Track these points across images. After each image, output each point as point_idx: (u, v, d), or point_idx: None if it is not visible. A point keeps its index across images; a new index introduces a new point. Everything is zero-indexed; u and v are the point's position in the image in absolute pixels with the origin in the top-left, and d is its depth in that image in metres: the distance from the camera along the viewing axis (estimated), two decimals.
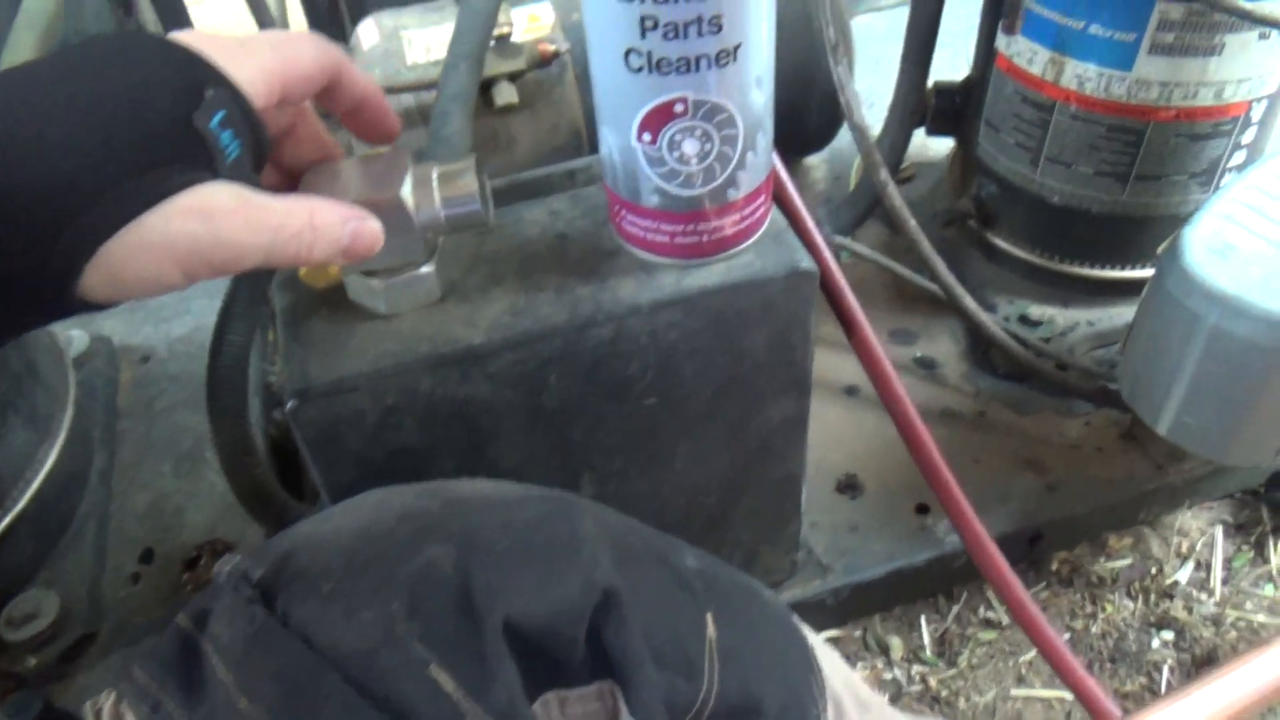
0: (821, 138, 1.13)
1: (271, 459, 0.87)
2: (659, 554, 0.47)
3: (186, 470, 0.91)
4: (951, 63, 1.31)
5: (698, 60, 0.46)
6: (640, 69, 0.46)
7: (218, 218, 0.38)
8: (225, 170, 0.39)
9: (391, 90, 0.90)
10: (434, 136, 0.70)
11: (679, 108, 0.48)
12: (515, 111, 0.94)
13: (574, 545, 0.43)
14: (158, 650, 0.40)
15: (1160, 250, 0.71)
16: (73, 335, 0.98)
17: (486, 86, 0.91)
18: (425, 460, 0.55)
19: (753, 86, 0.49)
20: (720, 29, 0.45)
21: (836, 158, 1.21)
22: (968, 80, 0.96)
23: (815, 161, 1.21)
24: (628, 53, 0.46)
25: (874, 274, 1.02)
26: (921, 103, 0.95)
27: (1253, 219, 0.69)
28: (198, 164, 0.38)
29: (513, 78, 0.91)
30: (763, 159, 0.52)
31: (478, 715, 0.37)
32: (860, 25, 1.45)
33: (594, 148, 1.01)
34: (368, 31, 0.96)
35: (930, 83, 0.97)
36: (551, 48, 0.91)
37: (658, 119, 0.48)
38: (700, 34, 0.45)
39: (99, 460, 0.90)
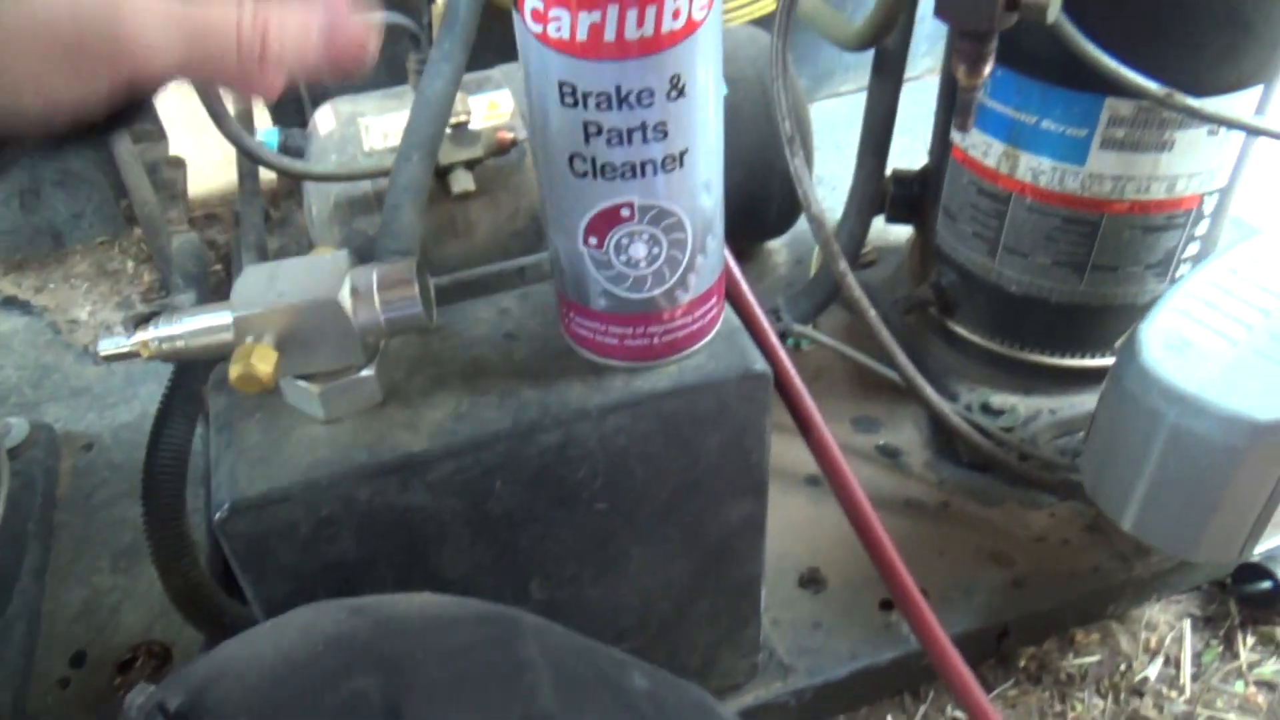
0: (783, 223, 1.13)
1: (216, 556, 0.84)
2: (605, 677, 0.45)
3: (125, 566, 0.87)
4: (912, 147, 1.33)
5: (643, 166, 0.45)
6: (585, 174, 0.46)
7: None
8: None
9: (349, 178, 0.89)
10: (384, 229, 0.69)
11: (625, 212, 0.47)
12: (473, 198, 0.93)
13: (513, 673, 0.40)
14: None
15: (1118, 345, 0.71)
16: (11, 423, 0.95)
17: (444, 173, 0.91)
18: (363, 572, 0.52)
19: (701, 191, 0.48)
20: (666, 135, 0.44)
21: (798, 241, 1.21)
22: (925, 169, 0.97)
23: (777, 245, 1.21)
24: (572, 158, 0.45)
25: (836, 360, 1.02)
26: (879, 191, 0.95)
27: (1208, 314, 0.69)
28: None
29: (470, 165, 0.90)
30: (713, 261, 0.51)
31: None
32: (821, 110, 1.47)
33: None
34: (324, 117, 0.95)
35: (889, 171, 0.98)
36: (510, 135, 0.91)
37: (604, 223, 0.47)
38: (645, 140, 0.44)
39: (32, 556, 0.86)
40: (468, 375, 0.54)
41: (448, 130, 0.90)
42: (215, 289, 1.26)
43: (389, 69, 1.23)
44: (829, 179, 1.33)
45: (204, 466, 0.94)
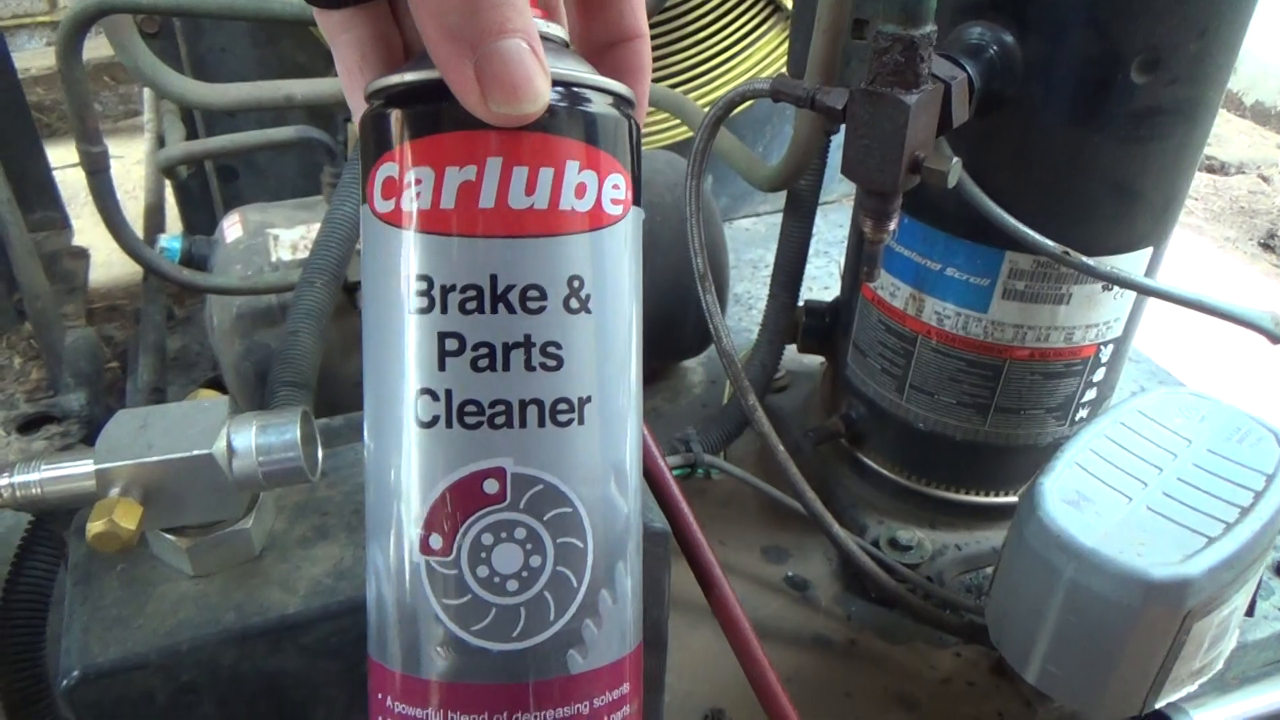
0: (699, 344, 1.14)
1: None
2: None
3: None
4: (828, 269, 1.36)
5: (522, 409, 0.29)
6: (435, 421, 0.29)
7: None
8: None
9: (253, 291, 0.87)
10: (280, 357, 0.67)
11: (491, 486, 0.30)
12: None
13: None
14: None
15: (1019, 496, 0.71)
16: None
17: (355, 289, 0.89)
18: None
19: (610, 476, 0.31)
20: (560, 364, 0.30)
21: (715, 361, 1.21)
22: (836, 302, 0.99)
23: (693, 365, 1.21)
24: (419, 396, 0.30)
25: (745, 486, 1.01)
26: (792, 322, 0.97)
27: (1104, 468, 0.70)
28: None
29: None
30: (624, 610, 0.32)
31: None
32: (740, 229, 1.50)
33: None
34: (232, 225, 0.93)
35: (801, 301, 0.99)
36: None
37: (458, 505, 0.30)
38: (529, 366, 0.29)
39: None
40: (353, 526, 0.51)
41: (359, 248, 0.89)
42: (109, 388, 1.21)
43: (300, 174, 1.22)
44: (746, 298, 1.34)
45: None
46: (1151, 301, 0.86)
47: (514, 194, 0.29)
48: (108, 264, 1.54)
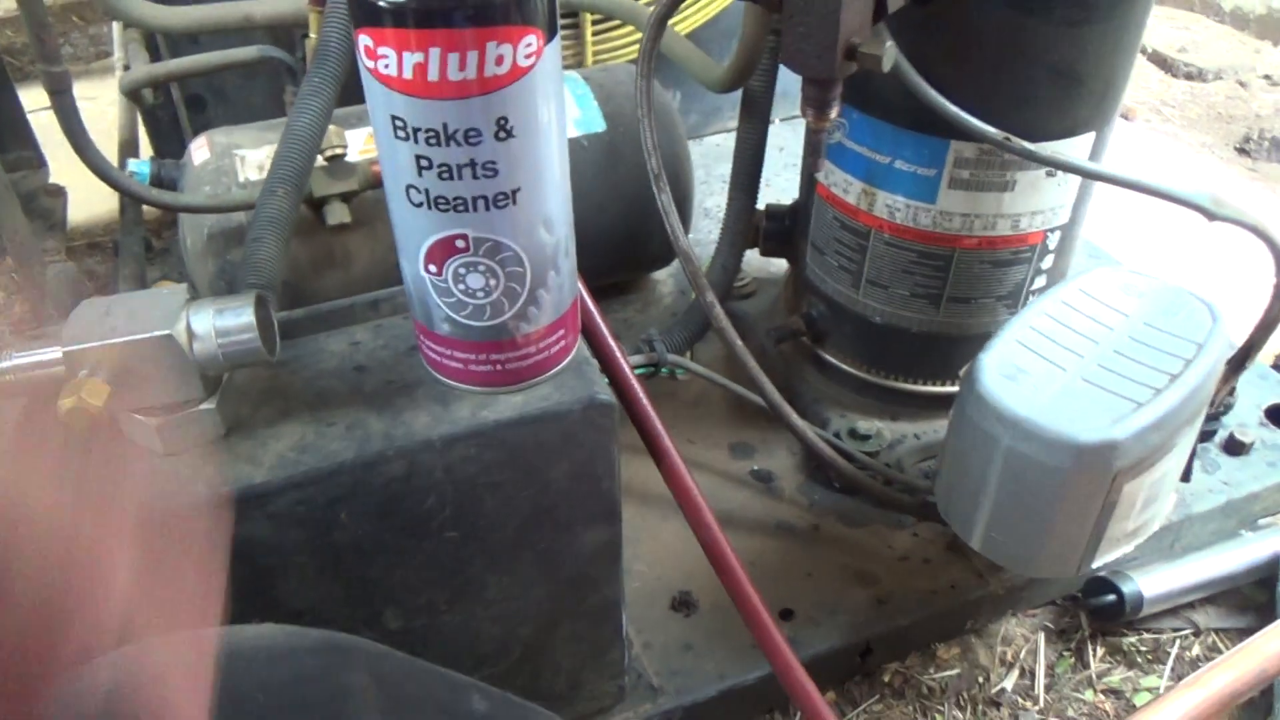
0: (666, 255, 1.16)
1: None
2: (440, 702, 0.46)
3: None
4: (794, 183, 1.37)
5: (474, 200, 0.47)
6: (420, 204, 0.47)
7: None
8: None
9: (217, 209, 0.89)
10: (244, 262, 0.69)
11: (460, 243, 0.48)
12: (351, 230, 0.94)
13: (338, 702, 0.41)
14: None
15: (960, 374, 0.74)
16: None
17: (319, 205, 0.91)
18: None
19: (538, 227, 0.50)
20: (496, 173, 0.46)
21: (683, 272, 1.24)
22: (794, 205, 1.01)
23: (662, 276, 1.24)
24: (408, 188, 0.47)
25: (714, 388, 1.04)
26: (751, 226, 0.99)
27: (1043, 344, 0.73)
28: None
29: (346, 198, 0.91)
30: (556, 295, 0.53)
31: None
32: (709, 145, 1.51)
33: None
34: (200, 148, 0.95)
35: (762, 205, 1.01)
36: None
37: (441, 252, 0.49)
38: (475, 176, 0.46)
39: None
40: (314, 407, 0.54)
41: (324, 163, 0.90)
42: None
43: (267, 101, 1.23)
44: (716, 212, 1.36)
45: None
46: (1100, 190, 0.88)
47: (450, 71, 0.43)
48: (87, 202, 1.54)
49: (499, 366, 0.53)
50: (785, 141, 1.47)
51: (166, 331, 0.47)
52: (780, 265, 1.20)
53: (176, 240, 1.33)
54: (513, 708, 0.49)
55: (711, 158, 1.49)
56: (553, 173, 0.49)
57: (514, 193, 0.47)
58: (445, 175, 0.46)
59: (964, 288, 0.88)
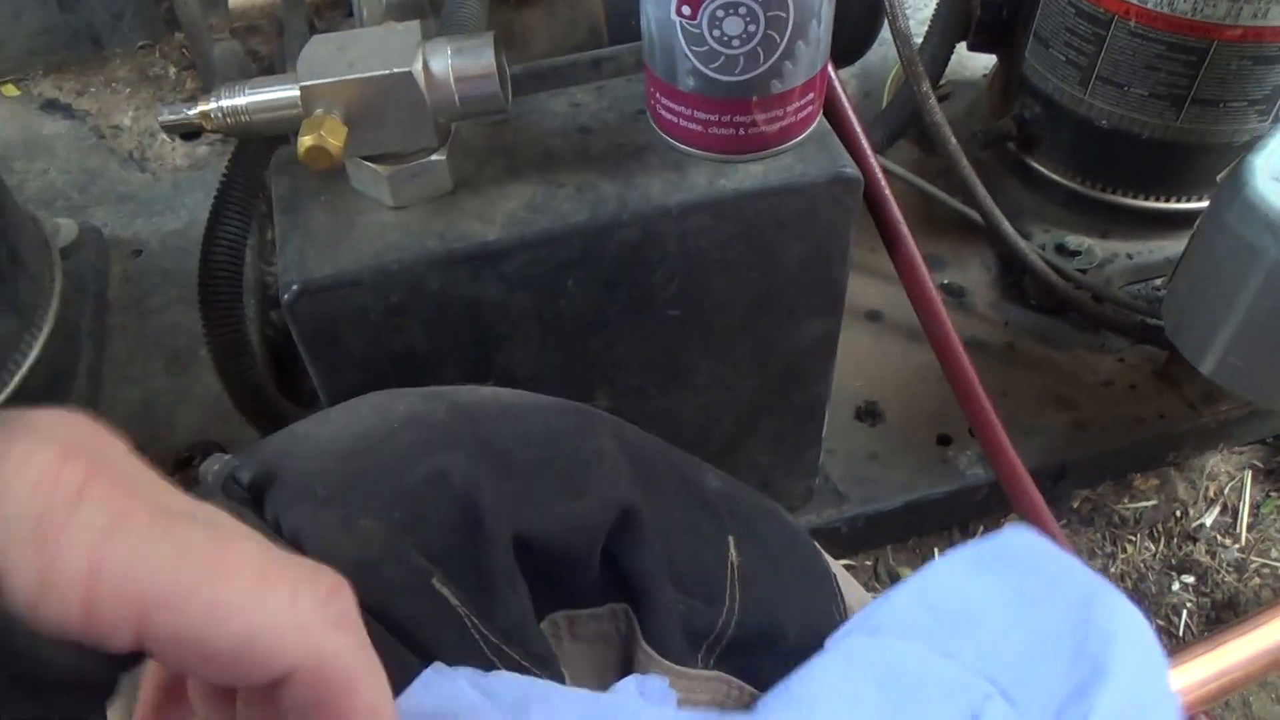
0: (855, 49, 1.07)
1: (269, 362, 0.84)
2: (680, 474, 0.44)
3: (179, 369, 0.88)
4: None
5: None
6: None
7: None
8: None
9: None
10: (446, 19, 0.65)
11: None
12: (532, 6, 0.88)
13: (591, 460, 0.39)
14: None
15: (1221, 177, 0.66)
16: (60, 223, 0.94)
17: None
18: (431, 366, 0.51)
19: None
20: None
21: (867, 73, 1.15)
22: None
23: (845, 76, 1.14)
24: None
25: (901, 195, 0.97)
26: (966, 14, 0.89)
27: None
28: None
29: None
30: (815, 51, 0.47)
31: (483, 633, 0.34)
32: None
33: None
34: None
35: None
36: None
37: None
38: None
39: (87, 356, 0.87)
40: (542, 167, 0.51)
41: None
42: None
43: None
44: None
45: (252, 277, 0.93)
46: None
47: None
48: None
49: (742, 130, 0.49)
50: None
51: (406, 69, 0.44)
52: (977, 66, 1.10)
53: (338, 21, 1.30)
54: (743, 489, 0.47)
55: None
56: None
57: None
58: None
59: (1215, 88, 0.78)
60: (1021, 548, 0.33)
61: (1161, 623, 0.78)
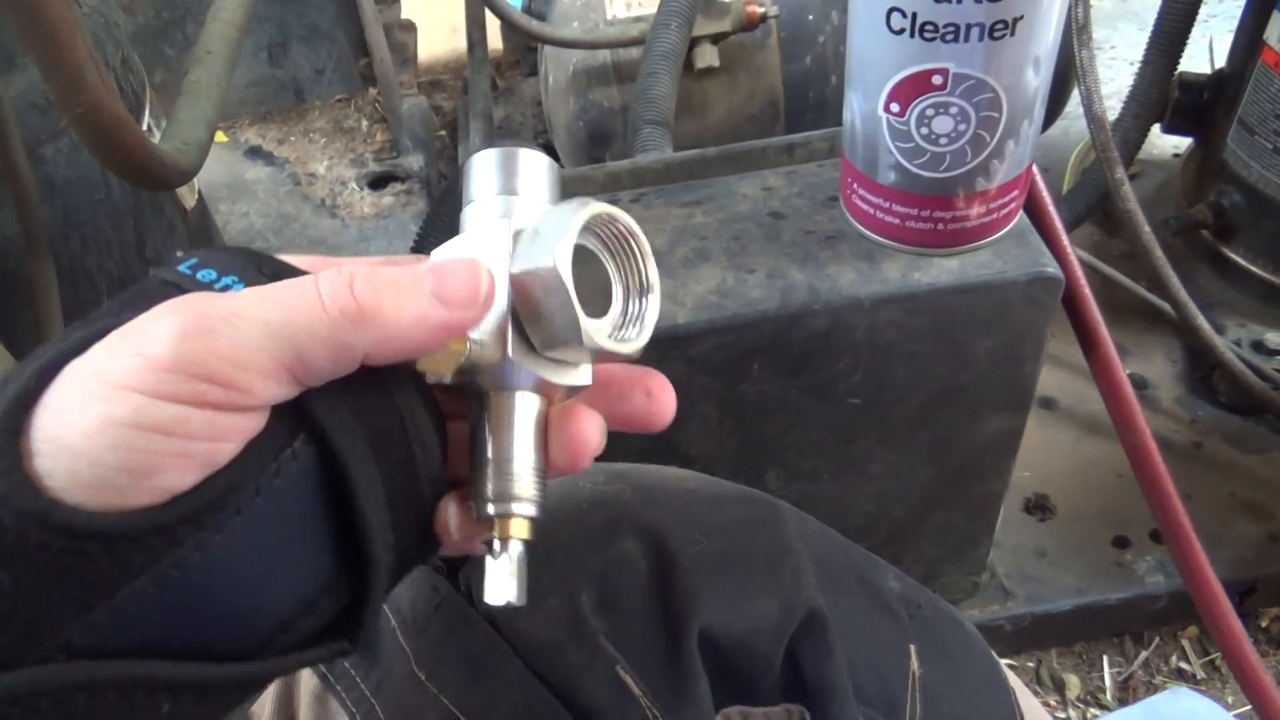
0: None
1: None
2: (861, 574, 0.43)
3: None
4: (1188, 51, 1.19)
5: (968, 29, 0.41)
6: (901, 31, 0.42)
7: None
8: None
9: (592, 45, 0.87)
10: (640, 97, 0.67)
11: (937, 79, 0.43)
12: (713, 75, 0.90)
13: (778, 557, 0.39)
14: None
15: None
16: None
17: (689, 47, 0.87)
18: (610, 438, 0.52)
19: (1028, 67, 0.43)
20: None
21: (1047, 151, 1.11)
22: (1220, 74, 0.86)
23: None
24: (890, 11, 0.41)
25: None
26: (1164, 96, 0.86)
27: None
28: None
29: (715, 39, 0.86)
30: (1023, 149, 0.47)
31: None
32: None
33: (791, 120, 0.96)
34: None
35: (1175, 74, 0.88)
36: (760, 10, 0.86)
37: (910, 89, 0.43)
38: (978, 1, 0.40)
39: None
40: (731, 251, 0.51)
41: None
42: (439, 154, 1.29)
43: None
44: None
45: None
46: None
47: None
48: (427, 42, 1.61)
49: (941, 225, 0.48)
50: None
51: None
52: (1166, 147, 1.05)
53: (518, 81, 1.36)
54: (921, 592, 0.45)
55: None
56: (1055, 1, 0.42)
57: (1014, 22, 0.41)
58: None
59: None
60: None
61: None
